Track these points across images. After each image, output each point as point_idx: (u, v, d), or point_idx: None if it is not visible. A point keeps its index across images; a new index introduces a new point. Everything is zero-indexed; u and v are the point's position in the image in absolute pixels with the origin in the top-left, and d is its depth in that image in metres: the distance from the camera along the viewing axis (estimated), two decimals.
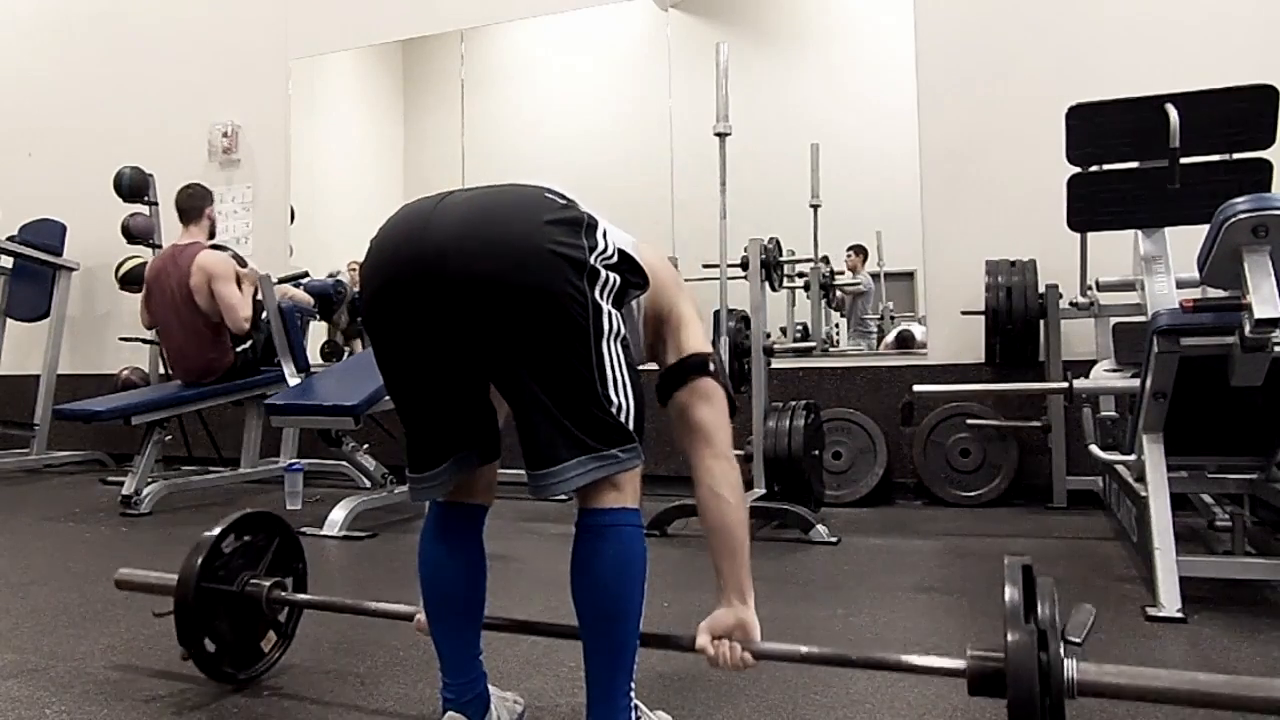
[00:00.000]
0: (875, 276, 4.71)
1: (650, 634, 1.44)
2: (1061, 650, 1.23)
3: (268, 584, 1.84)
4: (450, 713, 1.48)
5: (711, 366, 1.53)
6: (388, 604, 1.84)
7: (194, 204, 4.53)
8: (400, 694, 1.81)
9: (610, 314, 1.36)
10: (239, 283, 4.35)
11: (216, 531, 1.84)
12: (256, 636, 1.87)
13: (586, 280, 1.33)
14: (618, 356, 1.37)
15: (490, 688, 1.56)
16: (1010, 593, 1.29)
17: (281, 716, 1.70)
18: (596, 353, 1.34)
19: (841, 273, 4.73)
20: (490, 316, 1.32)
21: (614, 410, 1.35)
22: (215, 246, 4.55)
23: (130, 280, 5.28)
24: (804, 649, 1.50)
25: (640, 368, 1.46)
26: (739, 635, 1.46)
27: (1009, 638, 1.24)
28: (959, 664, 1.35)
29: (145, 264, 5.36)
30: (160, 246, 5.50)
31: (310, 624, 2.28)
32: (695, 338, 1.56)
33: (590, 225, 1.38)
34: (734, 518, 1.47)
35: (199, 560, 1.78)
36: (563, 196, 1.41)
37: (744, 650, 1.44)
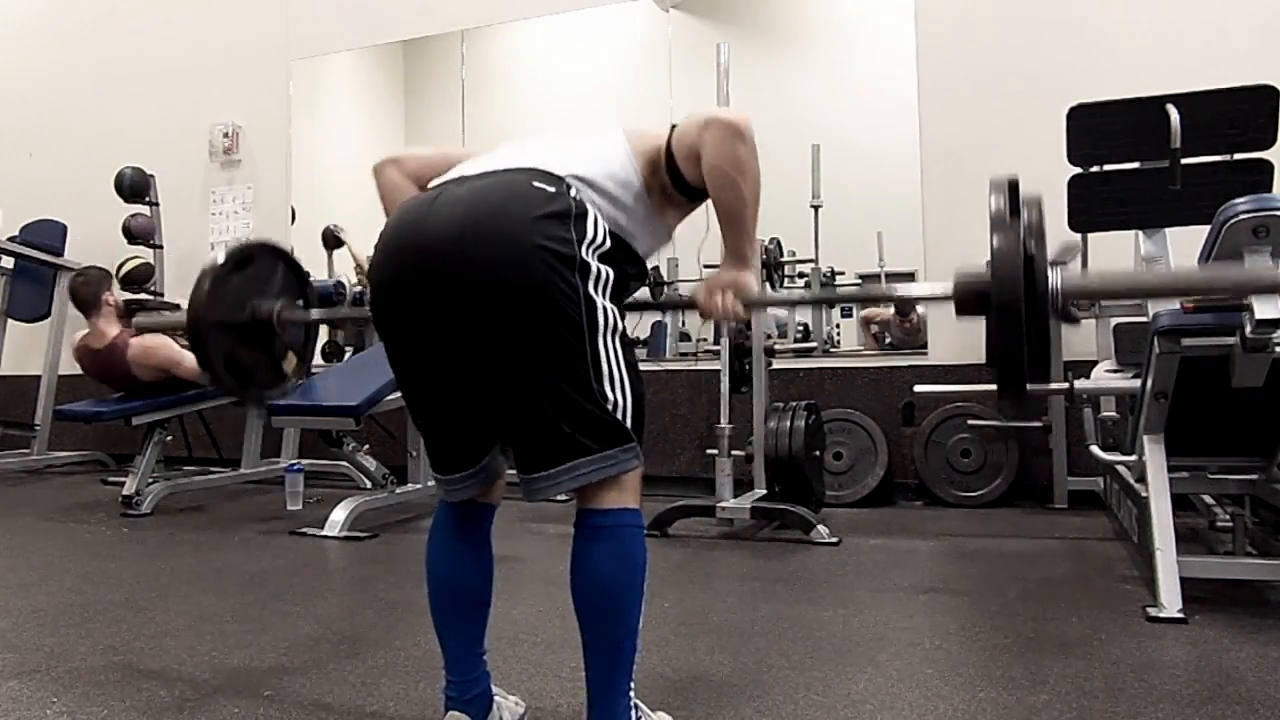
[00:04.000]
0: (875, 277, 4.71)
1: (659, 300, 1.42)
2: (1047, 258, 1.20)
3: (277, 305, 1.78)
4: (452, 711, 1.48)
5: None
6: None
7: (90, 291, 4.28)
8: (400, 694, 1.81)
9: (605, 309, 1.36)
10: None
11: (219, 263, 1.76)
12: (277, 358, 1.84)
13: (578, 274, 1.32)
14: (615, 353, 1.36)
15: (493, 688, 1.56)
16: (995, 201, 1.25)
17: (282, 717, 1.70)
18: (592, 348, 1.33)
19: (842, 273, 4.73)
20: (482, 316, 1.32)
21: (610, 407, 1.35)
22: (131, 304, 4.46)
23: (131, 280, 5.28)
24: (798, 295, 1.52)
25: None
26: (733, 290, 1.52)
27: (994, 242, 1.20)
28: (947, 287, 1.36)
29: (146, 264, 5.38)
30: (161, 247, 5.51)
31: (311, 625, 2.29)
32: None
33: (579, 214, 1.37)
34: (745, 196, 1.46)
35: (204, 294, 1.70)
36: (551, 181, 1.38)
37: (736, 299, 1.51)
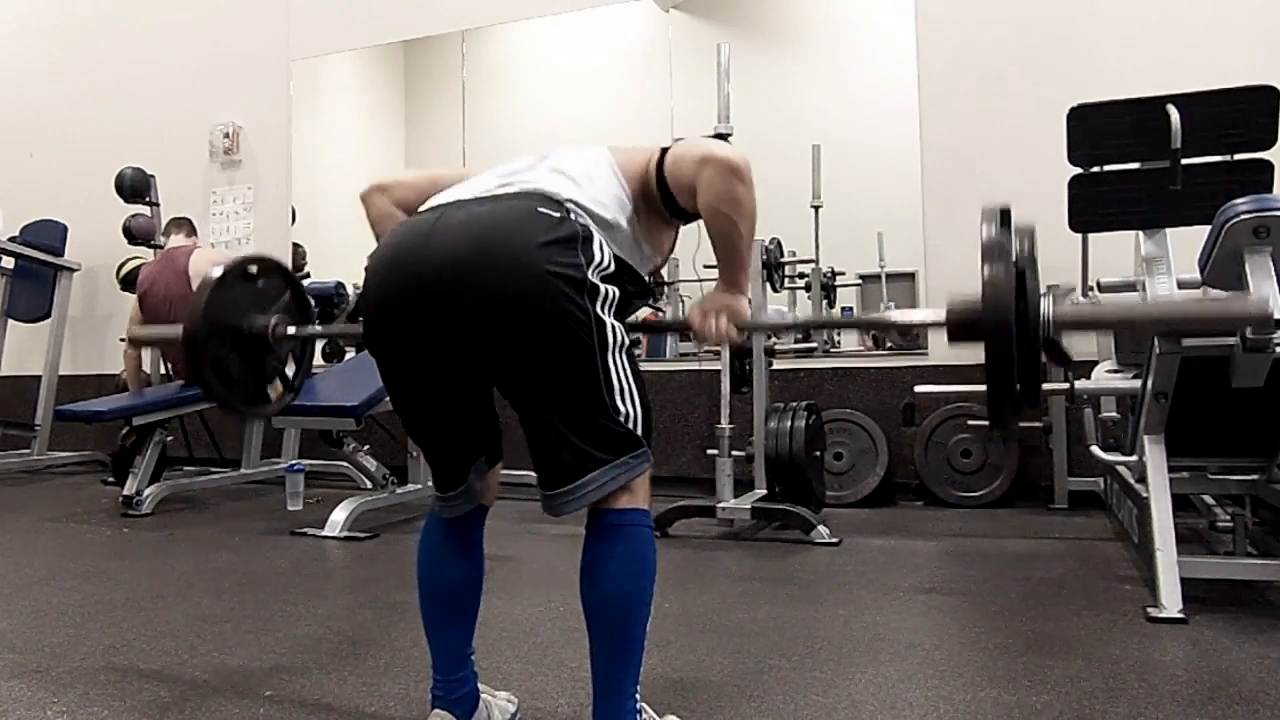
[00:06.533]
0: (876, 277, 4.71)
1: (655, 324, 1.41)
2: (1039, 287, 1.20)
3: (273, 320, 1.77)
4: (437, 710, 1.50)
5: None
6: None
7: (188, 224, 4.74)
8: (400, 694, 1.81)
9: (613, 327, 1.37)
10: None
11: (226, 268, 1.75)
12: (264, 379, 1.82)
13: (587, 297, 1.33)
14: (623, 366, 1.38)
15: (481, 687, 1.57)
16: (987, 229, 1.24)
17: (282, 717, 1.70)
18: (603, 367, 1.35)
19: (842, 273, 4.73)
20: (495, 342, 1.33)
21: (623, 419, 1.37)
22: None
23: (131, 281, 5.28)
24: (791, 318, 1.52)
25: (641, 354, 1.45)
26: (727, 314, 1.54)
27: (986, 272, 1.20)
28: (939, 315, 1.33)
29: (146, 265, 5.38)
30: (161, 247, 5.49)
31: (311, 625, 2.29)
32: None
33: (585, 238, 1.37)
34: (742, 233, 1.46)
35: (207, 294, 1.69)
36: (556, 207, 1.38)
37: (730, 323, 1.53)
